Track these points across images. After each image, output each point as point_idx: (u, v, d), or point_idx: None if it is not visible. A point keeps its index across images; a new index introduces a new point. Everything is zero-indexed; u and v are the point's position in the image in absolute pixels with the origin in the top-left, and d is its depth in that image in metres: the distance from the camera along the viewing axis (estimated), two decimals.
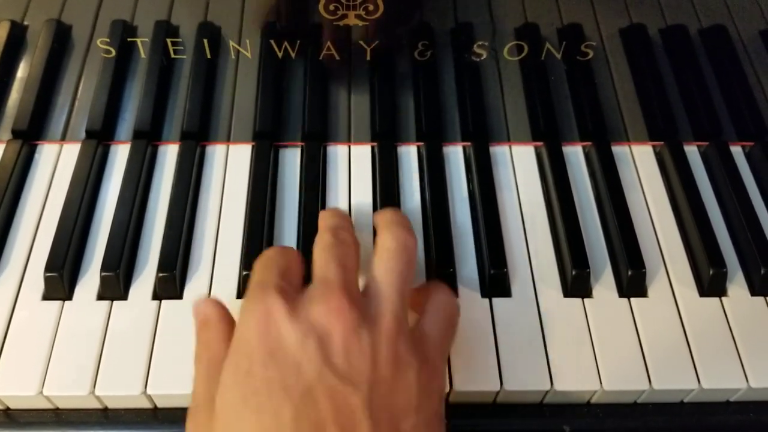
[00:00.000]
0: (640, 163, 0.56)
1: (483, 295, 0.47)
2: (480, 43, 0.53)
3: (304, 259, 0.42)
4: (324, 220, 0.44)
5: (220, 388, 0.35)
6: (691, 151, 0.56)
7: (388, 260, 0.39)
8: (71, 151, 0.54)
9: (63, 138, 0.55)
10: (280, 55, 0.53)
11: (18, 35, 0.54)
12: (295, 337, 0.34)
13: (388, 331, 0.36)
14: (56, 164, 0.54)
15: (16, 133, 0.54)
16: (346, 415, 0.33)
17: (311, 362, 0.34)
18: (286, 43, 0.52)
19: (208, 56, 0.54)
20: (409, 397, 0.35)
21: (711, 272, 0.48)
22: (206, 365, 0.38)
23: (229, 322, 0.40)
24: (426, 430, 0.35)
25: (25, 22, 0.54)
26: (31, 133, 0.54)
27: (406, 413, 0.34)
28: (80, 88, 0.55)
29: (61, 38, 0.54)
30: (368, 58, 0.54)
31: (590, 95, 0.56)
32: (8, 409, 0.45)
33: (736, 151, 0.57)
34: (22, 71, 0.55)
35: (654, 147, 0.57)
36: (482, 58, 0.54)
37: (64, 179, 0.52)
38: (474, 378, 0.44)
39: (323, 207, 0.52)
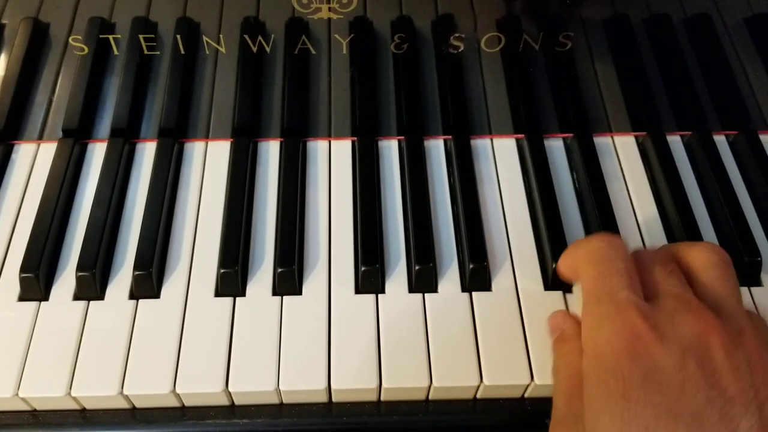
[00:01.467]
0: (622, 154, 0.55)
1: (462, 290, 0.47)
2: (458, 35, 0.52)
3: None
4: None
5: (590, 412, 0.35)
6: (675, 140, 0.56)
7: (724, 275, 0.39)
8: (48, 151, 0.54)
9: (40, 137, 0.55)
10: (254, 49, 0.53)
11: None
12: (673, 359, 0.34)
13: (757, 349, 0.35)
14: (33, 164, 0.54)
15: None
16: None
17: (696, 385, 0.33)
18: (260, 38, 0.52)
19: (182, 52, 0.53)
20: None
21: None
22: (567, 381, 0.38)
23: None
24: None
25: (3, 21, 0.54)
26: (7, 133, 0.54)
27: None
28: (57, 86, 0.55)
29: (39, 37, 0.54)
30: (345, 51, 0.53)
31: (572, 86, 0.55)
32: None
33: (720, 140, 0.56)
34: None
35: (636, 137, 0.56)
36: (460, 50, 0.53)
37: (41, 179, 0.52)
38: None
39: (303, 203, 0.51)
